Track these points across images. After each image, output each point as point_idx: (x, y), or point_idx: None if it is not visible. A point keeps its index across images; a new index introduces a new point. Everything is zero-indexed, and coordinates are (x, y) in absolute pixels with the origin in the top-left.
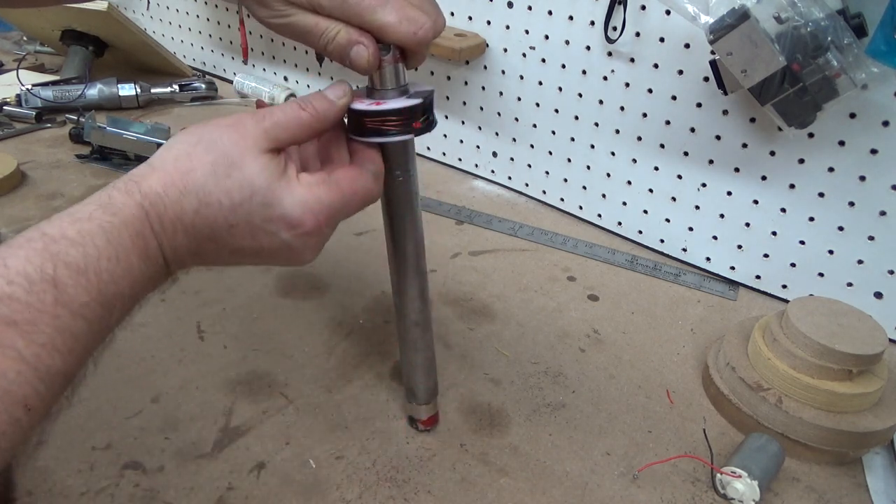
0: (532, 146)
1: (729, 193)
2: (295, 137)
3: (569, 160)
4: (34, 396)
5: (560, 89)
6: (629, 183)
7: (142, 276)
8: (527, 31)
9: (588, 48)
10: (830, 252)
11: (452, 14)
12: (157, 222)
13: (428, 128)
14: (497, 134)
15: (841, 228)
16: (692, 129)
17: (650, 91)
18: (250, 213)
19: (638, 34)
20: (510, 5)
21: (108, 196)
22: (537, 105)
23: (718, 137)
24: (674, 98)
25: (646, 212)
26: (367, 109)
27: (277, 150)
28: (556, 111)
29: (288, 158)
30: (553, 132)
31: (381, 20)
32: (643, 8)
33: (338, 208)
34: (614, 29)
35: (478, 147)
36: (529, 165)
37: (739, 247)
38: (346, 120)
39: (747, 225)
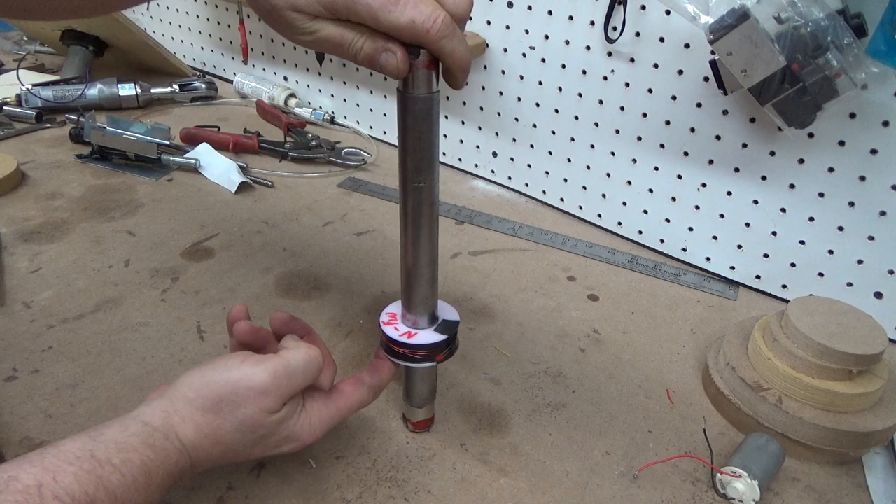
0: (532, 146)
1: (729, 193)
2: (303, 386)
3: (569, 160)
4: None
5: (560, 89)
6: (629, 183)
7: (160, 498)
8: (527, 31)
9: (588, 48)
10: (830, 252)
11: None
12: (188, 462)
13: (450, 356)
14: (497, 134)
15: (841, 228)
16: (692, 129)
17: (650, 91)
18: (267, 444)
19: (638, 34)
20: (510, 5)
21: (149, 435)
22: (537, 105)
23: (718, 137)
24: (674, 98)
25: (646, 212)
26: (398, 340)
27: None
28: (556, 111)
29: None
30: (553, 132)
31: (393, 21)
32: (643, 8)
33: (335, 423)
34: (614, 29)
35: (478, 147)
36: (529, 165)
37: (739, 247)
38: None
39: (747, 225)
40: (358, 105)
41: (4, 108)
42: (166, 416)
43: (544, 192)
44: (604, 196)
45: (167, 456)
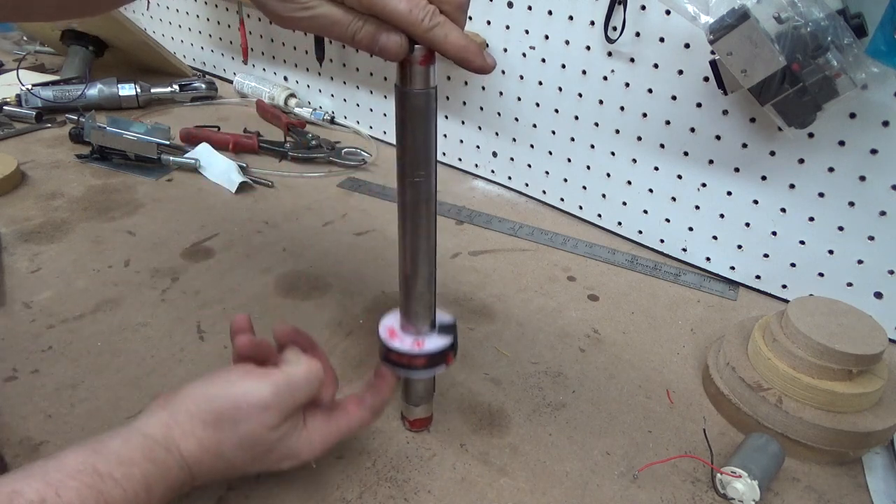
0: (532, 146)
1: (729, 193)
2: (304, 401)
3: (569, 160)
4: None
5: (560, 89)
6: (629, 183)
7: None
8: (527, 31)
9: (588, 48)
10: (830, 252)
11: None
12: (188, 475)
13: (455, 355)
14: (497, 134)
15: (841, 228)
16: (692, 129)
17: (650, 91)
18: (266, 460)
19: (638, 34)
20: (510, 5)
21: (150, 448)
22: (537, 105)
23: (718, 137)
24: (674, 98)
25: (646, 212)
26: (409, 352)
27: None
28: (556, 111)
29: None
30: (553, 132)
31: (391, 7)
32: (643, 8)
33: (335, 441)
34: (614, 29)
35: (478, 147)
36: (529, 165)
37: (739, 247)
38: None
39: (747, 225)
40: (358, 105)
41: (4, 108)
42: (168, 430)
43: (544, 192)
44: (604, 196)
45: (168, 470)
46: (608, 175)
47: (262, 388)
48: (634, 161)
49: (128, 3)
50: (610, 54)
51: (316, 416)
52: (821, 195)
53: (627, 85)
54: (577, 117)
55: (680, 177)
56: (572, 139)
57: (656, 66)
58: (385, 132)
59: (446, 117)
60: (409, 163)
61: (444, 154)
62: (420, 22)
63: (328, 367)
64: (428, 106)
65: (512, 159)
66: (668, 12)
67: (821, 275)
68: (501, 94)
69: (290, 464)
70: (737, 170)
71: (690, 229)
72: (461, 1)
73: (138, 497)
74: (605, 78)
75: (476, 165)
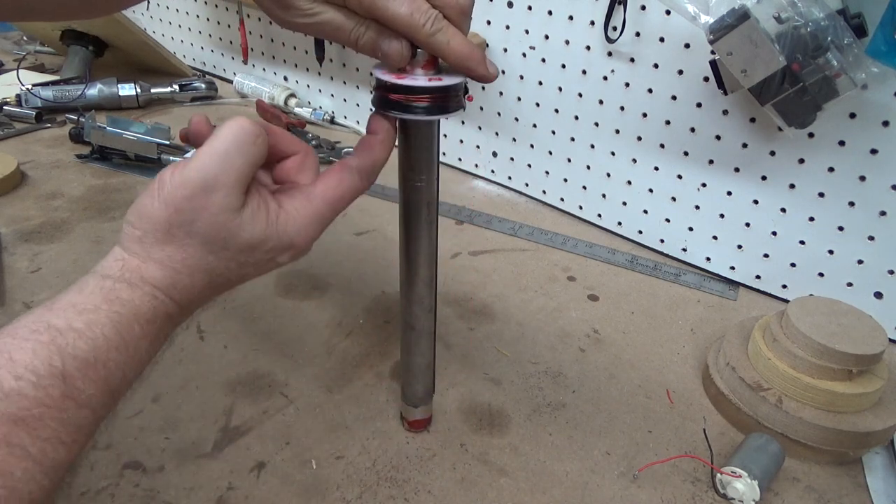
0: (532, 146)
1: (729, 193)
2: (247, 165)
3: (569, 160)
4: (38, 490)
5: (560, 89)
6: (629, 183)
7: (149, 354)
8: (527, 31)
9: (588, 48)
10: (830, 252)
11: None
12: (170, 303)
13: (461, 105)
14: (497, 134)
15: (841, 228)
16: (692, 129)
17: (650, 91)
18: (257, 260)
19: (638, 34)
20: (510, 5)
21: (110, 289)
22: (537, 105)
23: (718, 137)
24: (674, 98)
25: (646, 212)
26: (393, 83)
27: (245, 190)
28: (556, 111)
29: (257, 191)
30: (553, 132)
31: (393, 11)
32: (643, 8)
33: (327, 218)
34: (614, 29)
35: (478, 147)
36: (529, 165)
37: (739, 247)
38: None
39: (747, 225)
40: (358, 105)
41: (4, 108)
42: (122, 263)
43: (544, 192)
44: (604, 196)
45: (140, 305)
46: (608, 175)
47: (191, 171)
48: (634, 161)
49: (130, 6)
50: (610, 54)
51: (292, 195)
52: (821, 195)
53: (627, 85)
54: (577, 117)
55: (680, 177)
56: (572, 139)
57: (656, 66)
58: None
59: (446, 117)
60: (410, 167)
61: (444, 154)
62: (422, 27)
63: (277, 130)
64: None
65: (512, 159)
66: (668, 12)
67: (821, 275)
68: (501, 94)
69: (289, 255)
70: (737, 170)
71: (690, 229)
72: (465, 6)
73: (110, 342)
74: (605, 78)
75: (476, 165)
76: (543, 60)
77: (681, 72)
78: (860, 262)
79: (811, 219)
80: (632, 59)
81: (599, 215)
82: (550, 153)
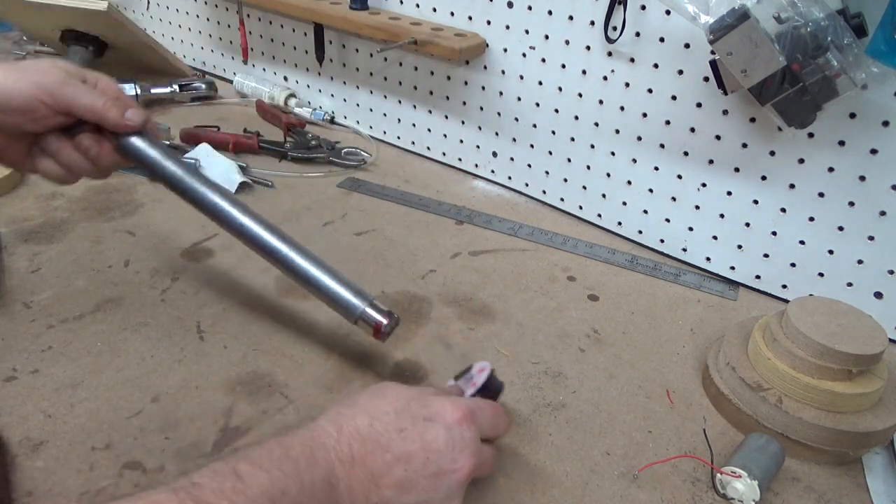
0: (532, 146)
1: (729, 193)
2: None
3: (569, 160)
4: None
5: (560, 89)
6: (629, 183)
7: None
8: (527, 31)
9: (588, 48)
10: (830, 252)
11: (452, 14)
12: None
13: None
14: (497, 134)
15: (841, 228)
16: (692, 129)
17: (650, 91)
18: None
19: (638, 34)
20: (510, 5)
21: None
22: (537, 105)
23: (718, 137)
24: (674, 98)
25: (646, 212)
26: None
27: None
28: (556, 111)
29: None
30: (553, 132)
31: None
32: (643, 8)
33: (473, 410)
34: (614, 29)
35: (478, 147)
36: (529, 165)
37: (739, 247)
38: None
39: (747, 225)
40: (358, 105)
41: None
42: (331, 464)
43: (544, 192)
44: (604, 196)
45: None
46: (608, 175)
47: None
48: (634, 161)
49: None
50: (610, 54)
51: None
52: (821, 195)
53: (627, 85)
54: (577, 117)
55: (680, 177)
56: (572, 139)
57: (656, 66)
58: (385, 132)
59: (446, 117)
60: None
61: (443, 154)
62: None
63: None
64: None
65: (512, 159)
66: (668, 12)
67: (821, 275)
68: (501, 94)
69: (447, 421)
70: (737, 170)
71: (690, 229)
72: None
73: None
74: (605, 78)
75: (476, 165)
76: (543, 60)
77: (681, 72)
78: (860, 262)
79: (811, 219)
80: (632, 59)
81: (599, 215)
82: (550, 153)
